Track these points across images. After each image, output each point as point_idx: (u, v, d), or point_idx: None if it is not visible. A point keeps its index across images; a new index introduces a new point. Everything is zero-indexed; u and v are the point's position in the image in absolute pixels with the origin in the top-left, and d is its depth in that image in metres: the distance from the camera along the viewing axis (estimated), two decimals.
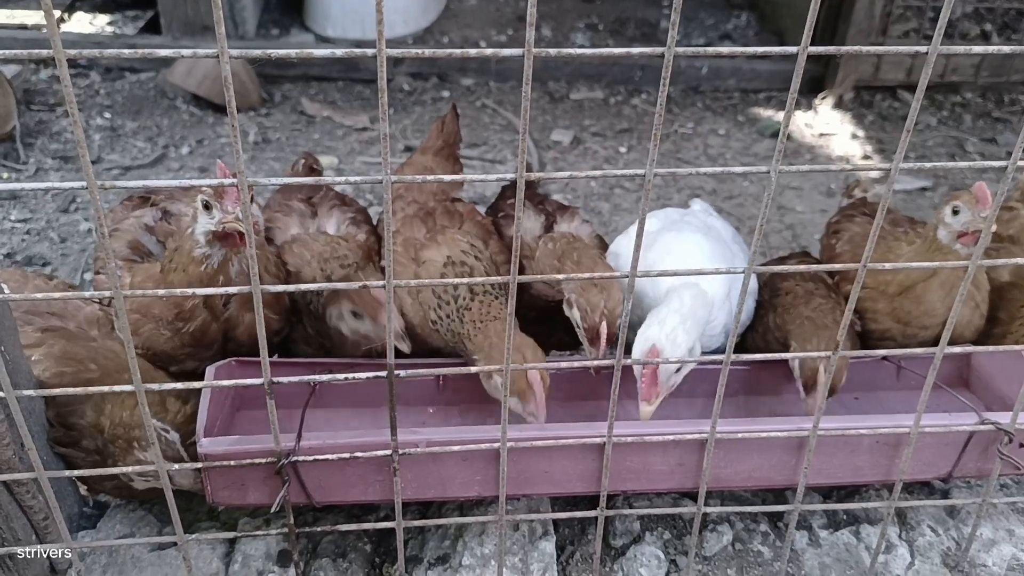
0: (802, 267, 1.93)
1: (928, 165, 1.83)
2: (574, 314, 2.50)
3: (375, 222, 3.11)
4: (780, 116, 7.00)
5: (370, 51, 1.37)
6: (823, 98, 7.21)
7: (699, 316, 2.36)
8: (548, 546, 2.46)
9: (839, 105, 7.22)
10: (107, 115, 6.45)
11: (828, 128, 6.85)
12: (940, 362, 2.07)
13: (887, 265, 1.94)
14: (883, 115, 7.19)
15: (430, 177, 1.65)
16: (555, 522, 2.58)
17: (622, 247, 2.87)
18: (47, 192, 5.25)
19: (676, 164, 6.07)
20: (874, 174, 6.15)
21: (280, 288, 1.72)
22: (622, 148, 6.34)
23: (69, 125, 6.23)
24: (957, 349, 2.11)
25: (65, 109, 6.46)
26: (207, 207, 2.15)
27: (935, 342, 2.76)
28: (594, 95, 7.18)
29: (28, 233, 4.84)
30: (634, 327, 2.65)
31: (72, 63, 7.09)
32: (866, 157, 6.30)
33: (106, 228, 1.60)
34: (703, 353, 2.50)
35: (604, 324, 2.46)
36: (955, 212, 2.55)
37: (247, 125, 6.38)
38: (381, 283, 1.72)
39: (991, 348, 2.19)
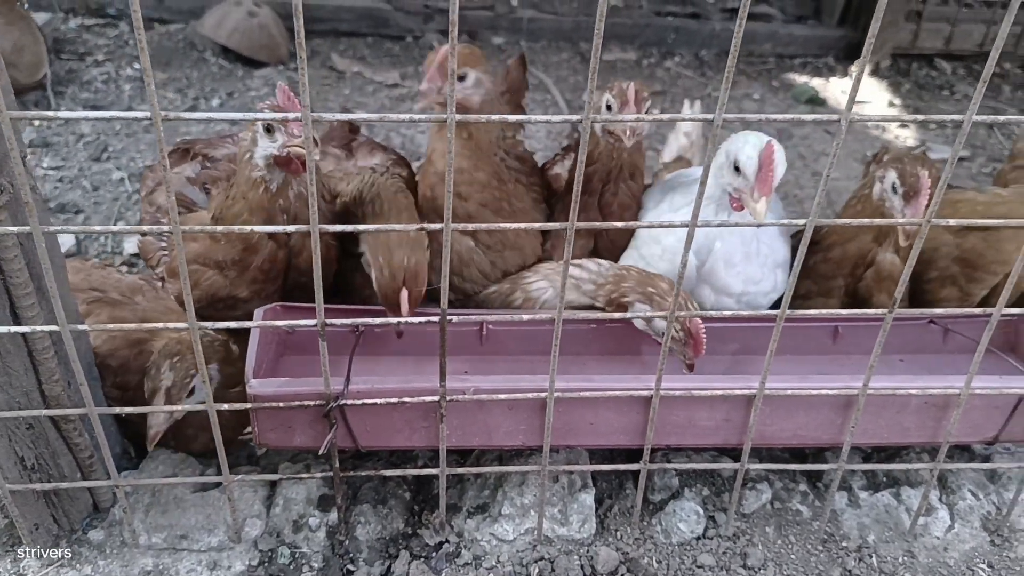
0: (865, 220, 1.90)
1: (1001, 119, 1.79)
2: (605, 96, 2.52)
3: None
4: (815, 82, 6.89)
5: None
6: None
7: None
8: (588, 498, 2.46)
9: (876, 72, 7.10)
10: (136, 66, 6.41)
11: (864, 96, 6.73)
12: (983, 323, 2.04)
13: (952, 221, 1.90)
14: (920, 84, 7.06)
15: (494, 117, 1.62)
16: (593, 476, 2.58)
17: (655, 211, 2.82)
18: (79, 140, 5.25)
19: (709, 128, 5.99)
20: (910, 141, 6.06)
21: (337, 228, 1.70)
22: (656, 111, 6.25)
23: (99, 75, 6.20)
24: (1016, 311, 2.07)
25: (96, 59, 6.43)
26: (269, 130, 2.16)
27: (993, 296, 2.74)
28: (627, 56, 7.08)
29: (61, 181, 4.84)
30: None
31: (101, 11, 7.06)
32: (902, 126, 6.19)
33: (167, 161, 1.58)
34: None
35: (632, 87, 2.46)
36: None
37: (276, 78, 6.33)
38: (439, 226, 1.71)
39: None
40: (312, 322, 1.87)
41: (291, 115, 1.55)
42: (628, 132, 2.42)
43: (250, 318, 2.41)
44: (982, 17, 7.26)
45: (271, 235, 2.35)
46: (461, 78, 2.46)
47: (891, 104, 6.63)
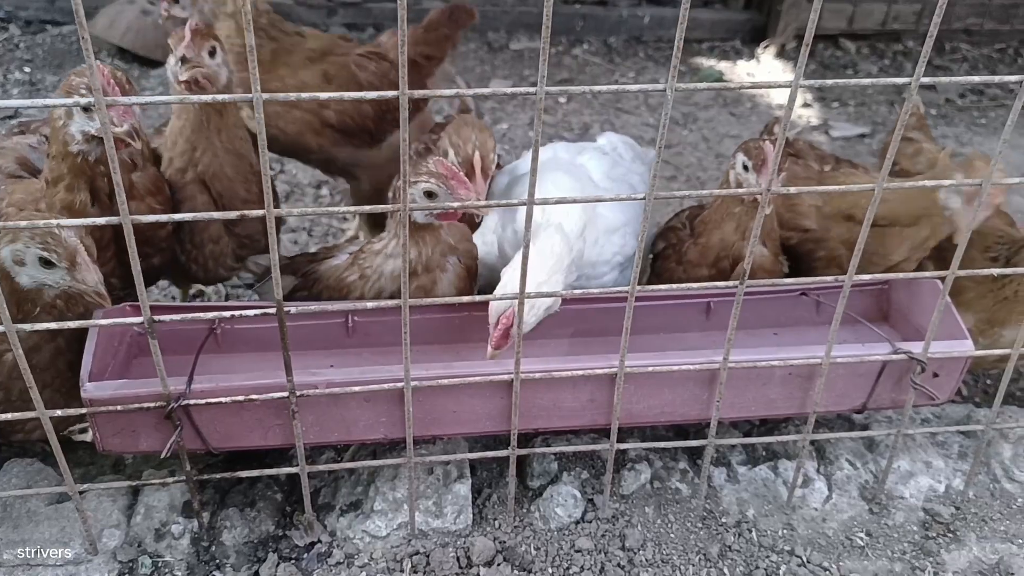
0: (705, 191, 1.88)
1: (829, 82, 1.78)
2: (449, 154, 2.60)
3: None
4: (722, 65, 6.95)
5: None
6: (765, 47, 7.16)
7: (563, 264, 2.26)
8: (463, 488, 2.41)
9: (781, 54, 7.18)
10: (27, 69, 6.17)
11: (770, 77, 6.81)
12: (855, 293, 2.04)
13: (793, 189, 1.90)
14: (825, 64, 7.16)
15: (305, 96, 1.56)
16: (473, 465, 2.53)
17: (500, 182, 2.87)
18: None
19: (616, 113, 5.99)
20: (813, 120, 6.14)
21: (151, 218, 1.62)
22: (561, 99, 6.24)
23: None
24: (867, 277, 2.07)
25: None
26: (87, 110, 2.15)
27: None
28: (535, 45, 7.04)
29: None
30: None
31: None
32: (806, 105, 6.27)
33: None
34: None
35: (477, 155, 2.55)
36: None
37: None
38: (261, 212, 1.64)
39: (902, 275, 2.16)
40: (139, 319, 1.78)
41: (83, 101, 1.46)
42: None
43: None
44: None
45: (95, 200, 2.30)
46: (211, 53, 2.54)
47: None
